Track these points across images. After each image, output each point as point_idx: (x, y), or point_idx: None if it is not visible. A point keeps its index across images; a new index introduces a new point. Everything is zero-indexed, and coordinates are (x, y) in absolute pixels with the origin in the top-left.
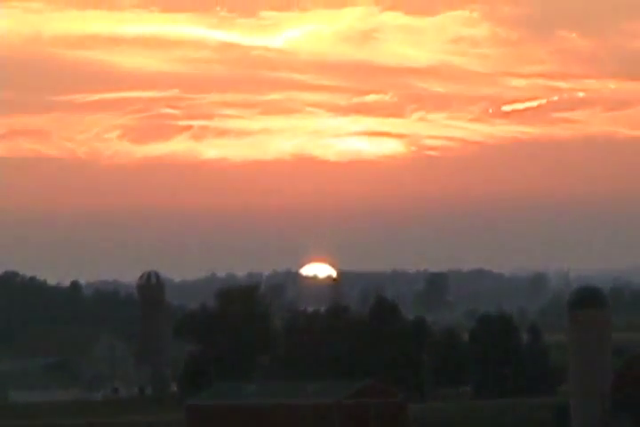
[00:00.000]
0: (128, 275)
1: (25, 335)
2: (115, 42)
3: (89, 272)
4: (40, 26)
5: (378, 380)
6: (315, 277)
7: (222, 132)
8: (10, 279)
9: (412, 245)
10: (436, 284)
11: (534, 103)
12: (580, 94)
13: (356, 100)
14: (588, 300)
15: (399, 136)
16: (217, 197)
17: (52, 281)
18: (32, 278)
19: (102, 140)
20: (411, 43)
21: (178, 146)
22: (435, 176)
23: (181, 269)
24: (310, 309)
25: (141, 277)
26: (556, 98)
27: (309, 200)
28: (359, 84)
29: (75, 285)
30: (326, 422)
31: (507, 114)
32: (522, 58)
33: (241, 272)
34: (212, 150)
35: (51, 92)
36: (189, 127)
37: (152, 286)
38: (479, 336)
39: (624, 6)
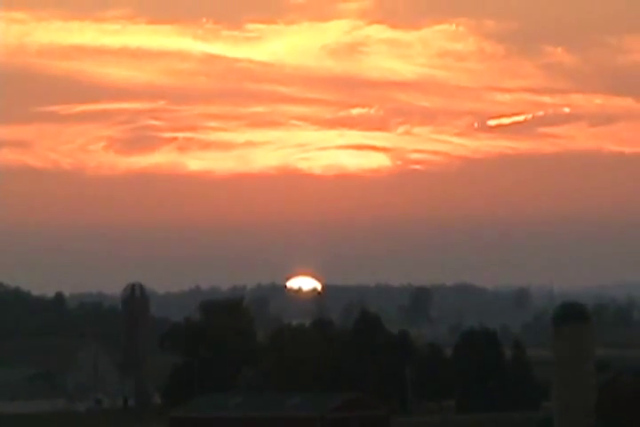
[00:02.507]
0: (112, 287)
1: (8, 346)
2: (99, 53)
3: (73, 284)
4: (24, 37)
5: (362, 393)
6: (299, 291)
7: (207, 145)
8: None
9: (396, 259)
10: (419, 298)
11: (520, 118)
12: (566, 109)
13: (341, 113)
14: (572, 315)
15: (384, 150)
16: (201, 210)
17: (36, 292)
18: (16, 289)
19: (87, 151)
20: (396, 56)
21: (162, 158)
22: (420, 190)
23: (166, 282)
24: (295, 322)
25: (125, 289)
26: (541, 113)
27: (294, 214)
28: (344, 97)
29: (59, 296)
30: None
31: (492, 128)
32: (507, 72)
33: (225, 285)
34: (196, 162)
35: (35, 102)
36: (174, 139)
37: (136, 298)
38: (463, 351)
39: (610, 22)
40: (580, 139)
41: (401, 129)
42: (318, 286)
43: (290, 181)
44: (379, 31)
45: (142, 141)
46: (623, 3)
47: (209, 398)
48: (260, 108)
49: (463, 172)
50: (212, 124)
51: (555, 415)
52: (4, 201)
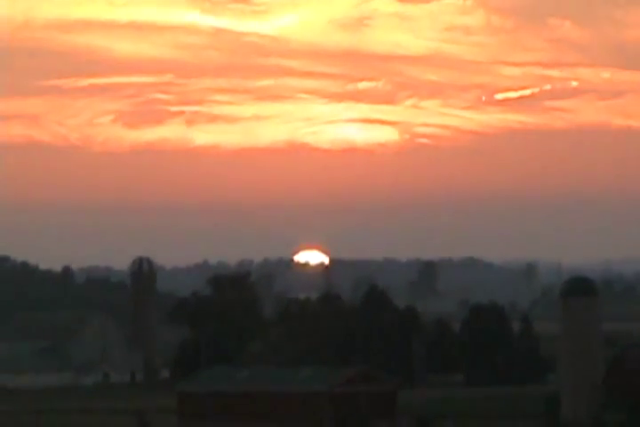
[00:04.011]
0: (120, 261)
1: (16, 320)
2: (107, 27)
3: (81, 258)
4: (32, 11)
5: (369, 367)
6: (306, 265)
7: (214, 118)
8: (1, 264)
9: (403, 233)
10: (427, 273)
11: (527, 92)
12: (574, 83)
13: (348, 87)
14: (579, 289)
15: (392, 123)
16: (209, 184)
17: (43, 266)
18: (24, 263)
19: (94, 125)
20: (404, 30)
21: (170, 131)
22: (427, 165)
23: (173, 256)
24: (302, 296)
25: (133, 263)
26: (549, 87)
27: (301, 188)
28: (352, 71)
29: (66, 270)
30: (318, 408)
31: (500, 102)
32: (515, 46)
33: (233, 260)
34: (203, 136)
35: (42, 76)
36: (181, 113)
37: (144, 272)
38: (471, 326)
39: None
40: (587, 113)
41: (408, 102)
42: (326, 261)
43: (297, 154)
44: (386, 5)
45: (149, 115)
46: None
47: (216, 372)
48: (267, 82)
49: (471, 145)
50: (220, 97)
51: (562, 389)
52: (11, 175)
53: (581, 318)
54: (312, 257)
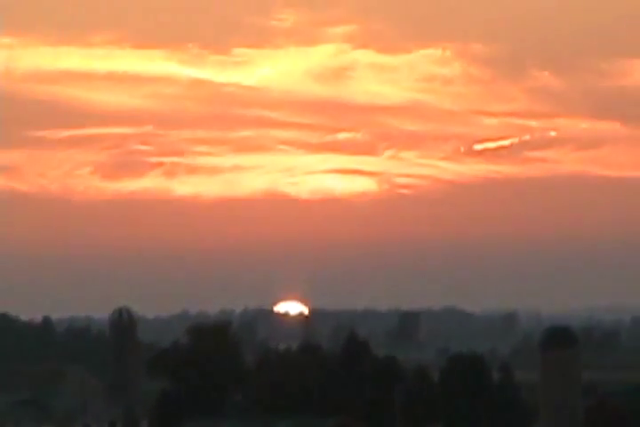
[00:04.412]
0: (100, 311)
1: None
2: (87, 78)
3: (61, 308)
4: (11, 62)
5: (349, 417)
6: (287, 315)
7: (194, 169)
8: None
9: (383, 283)
10: (407, 322)
11: (506, 142)
12: (552, 133)
13: (327, 137)
14: (558, 339)
15: (371, 174)
16: (189, 234)
17: (24, 317)
18: (3, 315)
19: (74, 176)
20: (382, 81)
21: (149, 183)
22: (407, 215)
23: (154, 306)
24: (282, 346)
25: (113, 313)
26: (527, 137)
27: (281, 237)
28: (331, 121)
29: (46, 320)
30: None
31: (478, 153)
32: (494, 96)
33: (213, 309)
34: (183, 187)
35: (23, 127)
36: (161, 164)
37: (124, 322)
38: (450, 375)
39: (595, 45)
40: (566, 162)
41: (387, 153)
42: (306, 311)
43: (277, 204)
44: (365, 55)
45: (129, 166)
46: (609, 26)
47: (197, 425)
48: (246, 133)
49: (450, 195)
50: (200, 148)
51: None
52: None
53: (560, 370)
54: (292, 307)
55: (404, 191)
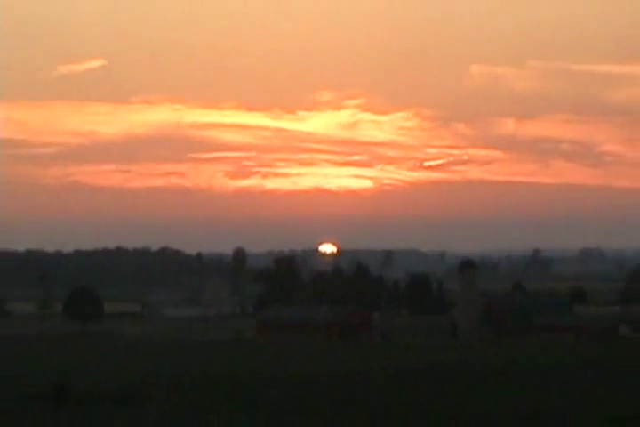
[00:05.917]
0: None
1: None
2: (220, 126)
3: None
4: (181, 118)
5: (358, 307)
6: (325, 253)
7: (276, 175)
8: None
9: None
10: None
11: (441, 161)
12: (465, 157)
13: (347, 158)
14: (467, 265)
15: (370, 178)
16: (270, 209)
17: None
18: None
19: (216, 178)
20: (376, 129)
21: (253, 182)
22: (389, 201)
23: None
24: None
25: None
26: (452, 158)
27: (323, 212)
28: (349, 150)
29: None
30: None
31: (427, 167)
32: (435, 137)
33: (277, 249)
34: (270, 184)
35: (189, 151)
36: (258, 172)
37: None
38: (413, 284)
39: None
40: (472, 173)
41: (379, 167)
42: (335, 250)
43: (321, 195)
44: (367, 116)
45: (242, 173)
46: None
47: (279, 308)
48: (304, 156)
49: (413, 190)
50: (279, 164)
51: (458, 318)
52: None
53: (467, 283)
54: (328, 248)
55: (388, 188)
